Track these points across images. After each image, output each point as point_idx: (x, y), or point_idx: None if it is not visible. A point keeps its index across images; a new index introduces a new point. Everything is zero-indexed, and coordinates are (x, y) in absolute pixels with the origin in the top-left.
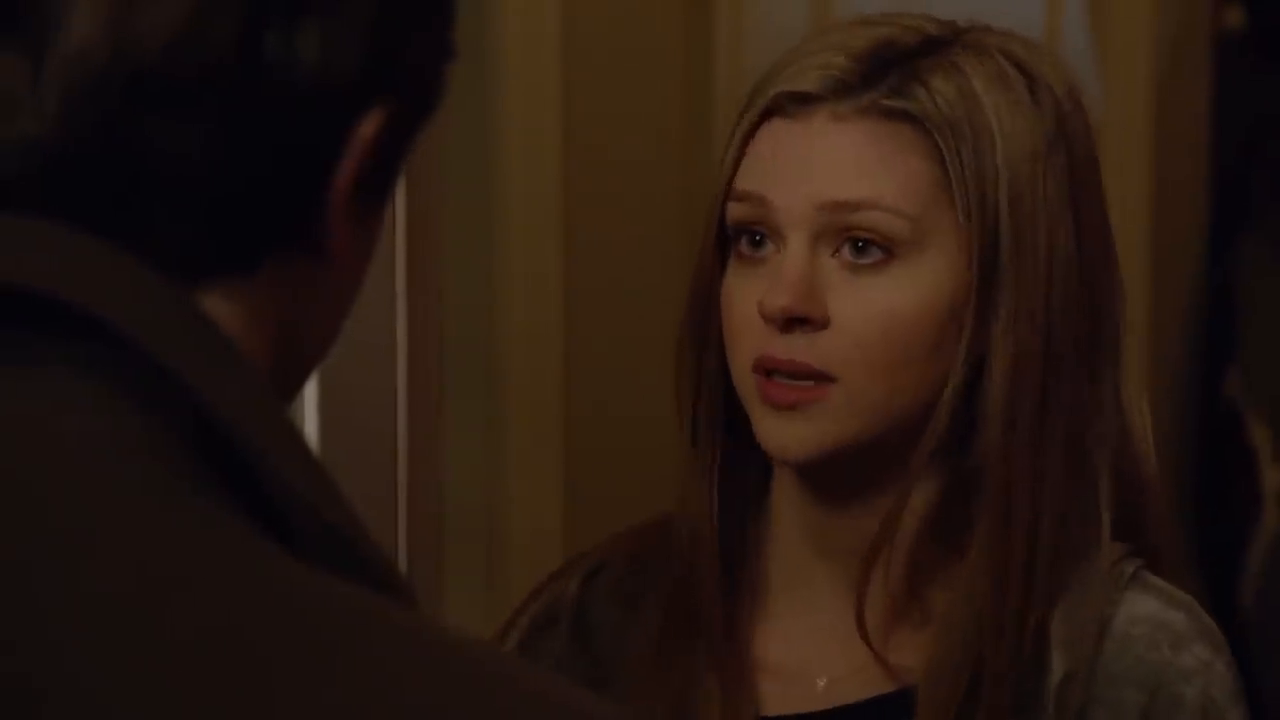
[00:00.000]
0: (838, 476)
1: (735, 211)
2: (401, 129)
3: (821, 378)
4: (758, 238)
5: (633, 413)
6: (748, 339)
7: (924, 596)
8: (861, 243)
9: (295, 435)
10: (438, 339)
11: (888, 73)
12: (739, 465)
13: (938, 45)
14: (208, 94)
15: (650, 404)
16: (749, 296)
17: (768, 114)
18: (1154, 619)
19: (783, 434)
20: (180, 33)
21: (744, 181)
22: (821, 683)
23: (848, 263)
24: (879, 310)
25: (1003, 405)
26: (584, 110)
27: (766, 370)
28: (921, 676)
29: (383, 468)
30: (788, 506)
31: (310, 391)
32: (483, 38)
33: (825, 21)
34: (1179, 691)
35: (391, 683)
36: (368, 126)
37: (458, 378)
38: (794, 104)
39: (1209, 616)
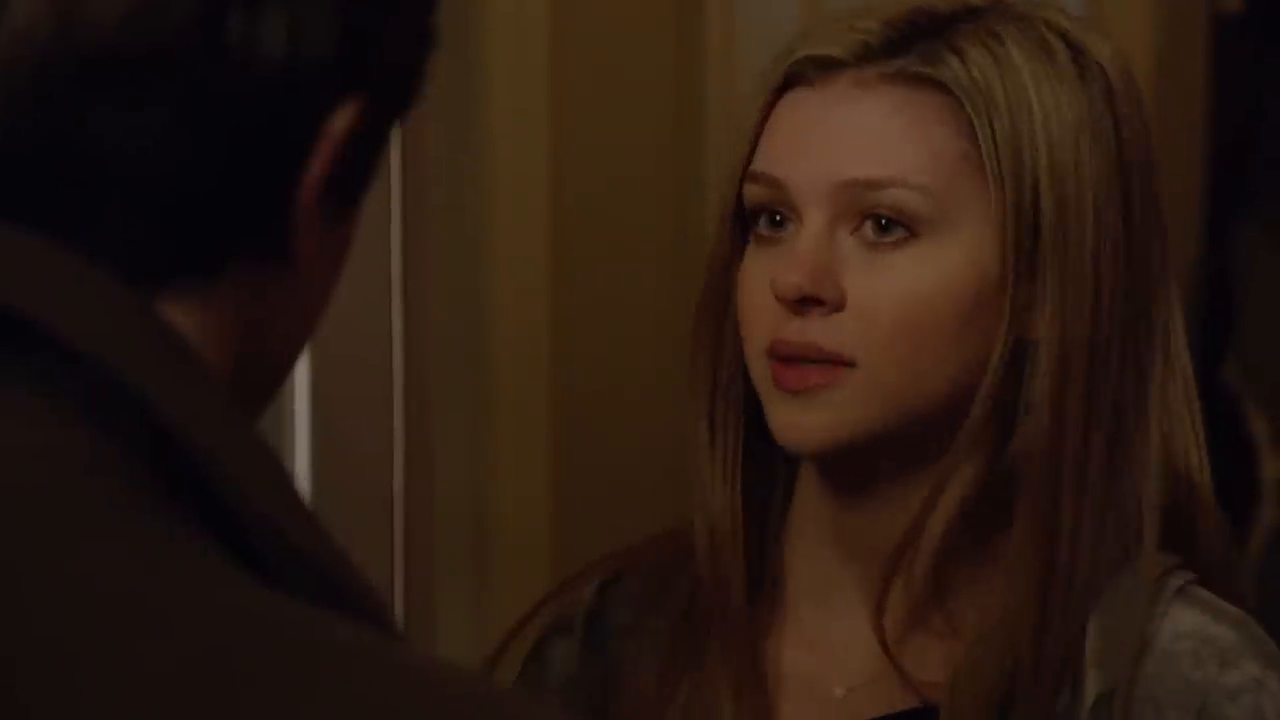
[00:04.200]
0: (860, 471)
1: (752, 193)
2: (376, 125)
3: (838, 361)
4: (778, 218)
5: (621, 413)
6: (761, 323)
7: (950, 606)
8: (885, 220)
9: (261, 450)
10: (431, 341)
11: (919, 38)
12: (761, 461)
13: (978, 13)
14: (164, 81)
15: (639, 404)
16: (763, 276)
17: (789, 83)
18: (1199, 634)
19: (797, 421)
20: (135, 12)
21: (760, 162)
22: (840, 693)
23: (868, 241)
24: (897, 290)
25: (1050, 395)
26: (573, 108)
27: (781, 356)
28: (945, 692)
29: (379, 471)
30: (809, 504)
31: (305, 391)
32: (469, 38)
33: (817, 18)
34: (1225, 713)
35: (371, 713)
36: (340, 120)
37: (446, 376)
38: (816, 69)
39: (1262, 631)
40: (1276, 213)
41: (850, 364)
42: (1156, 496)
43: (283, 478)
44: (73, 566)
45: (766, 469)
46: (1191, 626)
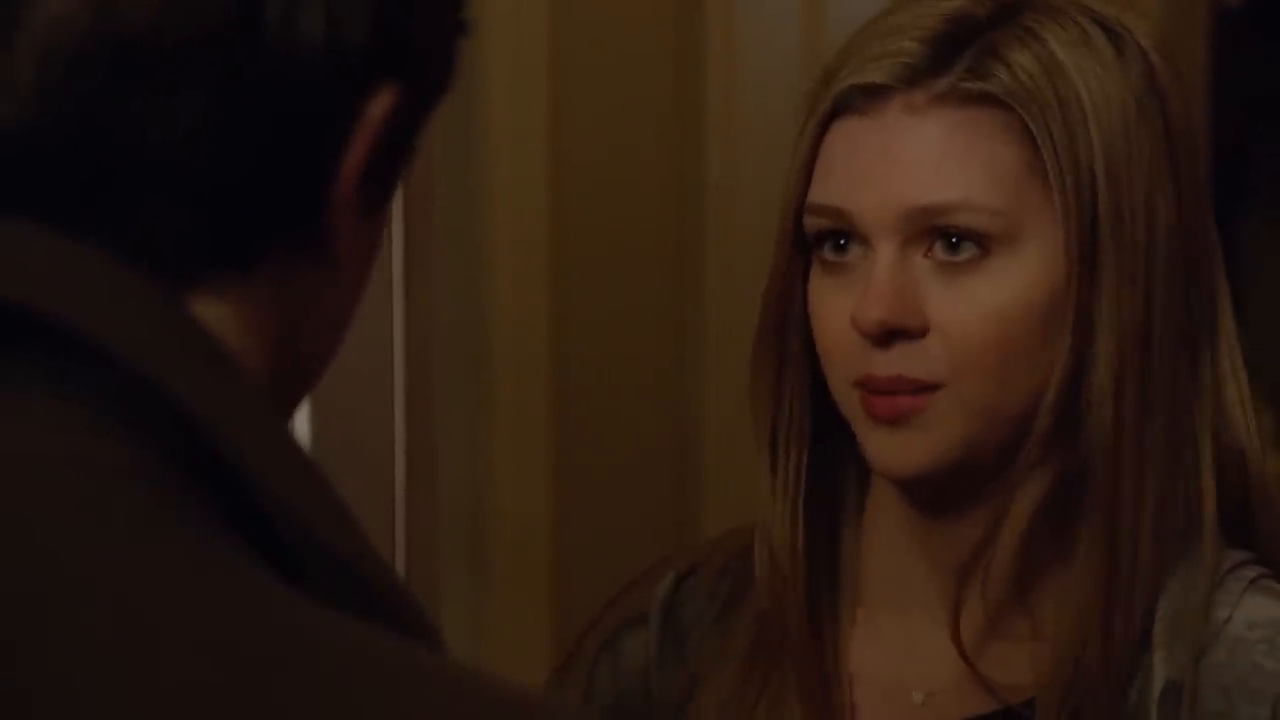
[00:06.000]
0: (945, 485)
1: (813, 224)
2: (412, 113)
3: (929, 388)
4: (842, 242)
5: (620, 411)
6: (845, 356)
7: (1032, 609)
8: (955, 238)
9: (299, 456)
10: (433, 339)
11: (962, 51)
12: (828, 477)
13: (1012, 11)
14: (201, 69)
15: (638, 401)
16: (840, 308)
17: (836, 111)
18: (1275, 623)
19: (893, 449)
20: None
21: (820, 194)
22: (919, 698)
23: (942, 262)
24: (978, 311)
25: (1111, 393)
26: (573, 107)
27: (871, 390)
28: (1038, 694)
29: (380, 468)
30: (888, 518)
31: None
32: (471, 38)
33: (817, 20)
34: None
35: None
36: (376, 109)
37: (447, 374)
38: (864, 98)
39: None
40: (1278, 208)
41: (938, 386)
42: (1212, 481)
43: (317, 480)
44: (102, 581)
45: (835, 482)
46: (1265, 616)
